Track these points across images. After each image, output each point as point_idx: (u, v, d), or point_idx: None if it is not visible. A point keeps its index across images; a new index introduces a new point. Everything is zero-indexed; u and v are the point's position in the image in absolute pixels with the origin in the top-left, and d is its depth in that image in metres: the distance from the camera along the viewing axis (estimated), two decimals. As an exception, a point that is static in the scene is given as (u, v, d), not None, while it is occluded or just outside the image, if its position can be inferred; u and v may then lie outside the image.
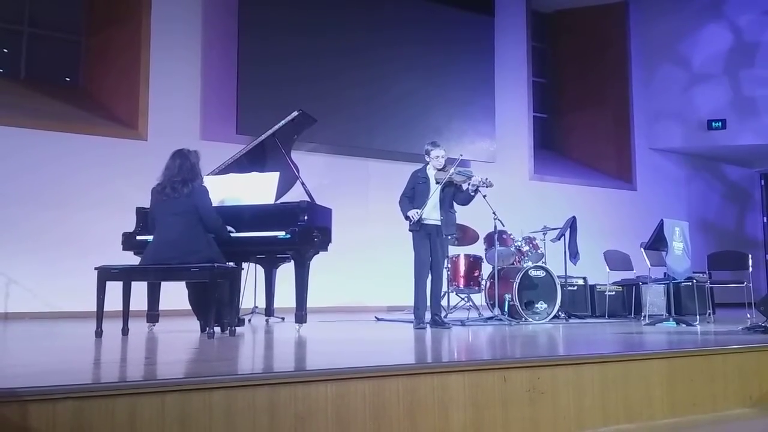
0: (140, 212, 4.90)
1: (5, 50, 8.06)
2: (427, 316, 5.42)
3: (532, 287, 6.35)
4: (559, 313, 6.46)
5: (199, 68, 8.12)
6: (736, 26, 11.33)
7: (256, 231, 4.58)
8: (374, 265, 8.39)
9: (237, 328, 4.62)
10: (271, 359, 3.40)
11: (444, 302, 6.38)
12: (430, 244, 5.39)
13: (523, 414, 2.93)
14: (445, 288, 6.32)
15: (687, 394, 3.45)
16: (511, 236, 6.75)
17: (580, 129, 11.80)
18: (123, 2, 8.03)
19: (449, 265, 6.60)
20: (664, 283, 6.81)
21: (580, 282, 7.33)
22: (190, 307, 4.67)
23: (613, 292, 7.40)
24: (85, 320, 5.20)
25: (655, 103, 11.71)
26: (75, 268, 6.28)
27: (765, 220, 13.01)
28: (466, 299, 6.97)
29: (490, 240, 6.64)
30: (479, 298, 7.05)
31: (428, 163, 5.54)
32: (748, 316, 6.46)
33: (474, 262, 6.74)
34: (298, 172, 5.20)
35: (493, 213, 6.12)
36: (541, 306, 6.35)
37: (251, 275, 5.95)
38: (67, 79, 8.33)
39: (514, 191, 9.37)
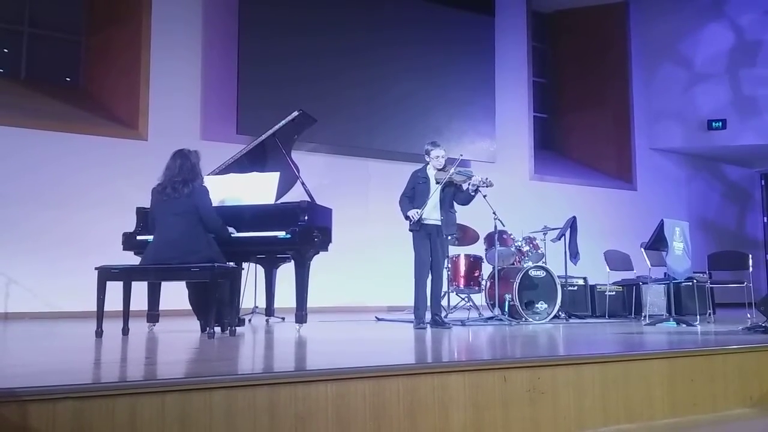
0: (140, 212, 4.90)
1: (5, 50, 8.06)
2: (428, 316, 5.42)
3: (532, 287, 6.34)
4: (560, 313, 6.46)
5: (200, 68, 8.12)
6: (737, 26, 11.32)
7: (257, 231, 4.58)
8: (374, 265, 8.39)
9: (237, 328, 4.62)
10: (272, 359, 3.40)
11: (444, 302, 6.38)
12: (430, 244, 5.39)
13: (523, 414, 2.93)
14: (445, 288, 6.32)
15: (687, 394, 3.45)
16: (512, 236, 6.74)
17: (580, 129, 11.79)
18: (123, 2, 8.03)
19: (449, 265, 6.60)
20: (664, 283, 6.80)
21: (581, 282, 7.33)
22: (190, 307, 4.67)
23: (614, 292, 7.40)
24: (85, 320, 5.21)
25: (656, 103, 11.70)
26: (75, 268, 6.28)
27: (765, 220, 13.01)
28: (466, 299, 6.97)
29: (490, 240, 6.64)
30: (479, 298, 7.05)
31: (428, 163, 5.54)
32: (749, 316, 6.45)
33: (474, 262, 6.74)
34: (299, 172, 5.20)
35: (494, 213, 6.12)
36: (541, 306, 6.35)
37: (251, 275, 5.94)
38: (68, 79, 8.33)
39: (514, 191, 9.37)
